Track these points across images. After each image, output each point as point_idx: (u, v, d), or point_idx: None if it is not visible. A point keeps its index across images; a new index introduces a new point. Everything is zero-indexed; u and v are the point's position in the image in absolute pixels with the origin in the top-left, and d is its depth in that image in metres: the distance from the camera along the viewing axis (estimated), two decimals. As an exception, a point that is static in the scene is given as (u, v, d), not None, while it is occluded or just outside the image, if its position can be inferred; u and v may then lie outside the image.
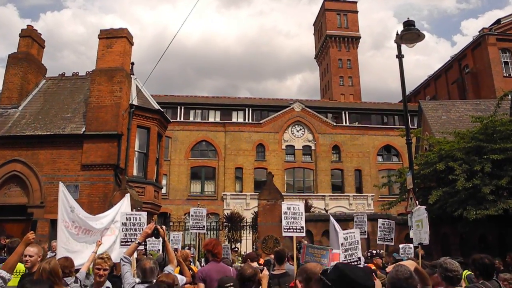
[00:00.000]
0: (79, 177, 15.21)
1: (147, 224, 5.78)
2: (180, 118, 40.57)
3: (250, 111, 42.40)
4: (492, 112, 14.87)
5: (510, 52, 38.98)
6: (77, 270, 5.67)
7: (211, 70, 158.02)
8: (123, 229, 6.58)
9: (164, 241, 5.55)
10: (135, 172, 16.90)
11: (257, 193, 20.75)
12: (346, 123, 43.06)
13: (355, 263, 5.73)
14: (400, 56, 11.93)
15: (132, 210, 7.98)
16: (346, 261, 5.52)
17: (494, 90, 33.79)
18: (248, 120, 41.96)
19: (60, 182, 7.82)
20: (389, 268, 3.85)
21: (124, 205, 7.98)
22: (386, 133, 42.27)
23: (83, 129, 15.59)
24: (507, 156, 12.97)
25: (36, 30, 18.64)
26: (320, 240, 15.76)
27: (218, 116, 42.19)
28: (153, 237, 5.18)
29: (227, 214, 26.62)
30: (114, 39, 16.78)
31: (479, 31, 40.26)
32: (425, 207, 7.65)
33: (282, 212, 8.02)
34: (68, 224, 7.21)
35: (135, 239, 5.57)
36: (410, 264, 3.33)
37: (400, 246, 11.77)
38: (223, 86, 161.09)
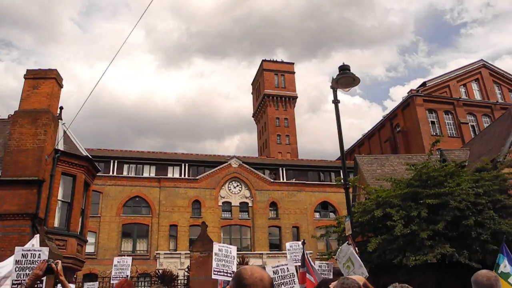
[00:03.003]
0: (-10, 228, 13.53)
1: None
2: (113, 173, 38.77)
3: (187, 167, 41.47)
4: (425, 160, 15.21)
5: (435, 112, 41.54)
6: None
7: (149, 129, 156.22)
8: (17, 268, 5.47)
9: (60, 280, 4.46)
10: (56, 223, 15.37)
11: (192, 248, 19.56)
12: (283, 179, 43.11)
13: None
14: (336, 102, 11.85)
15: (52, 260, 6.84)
16: None
17: (424, 148, 35.39)
18: (184, 175, 40.91)
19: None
20: (332, 284, 3.24)
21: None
22: (323, 189, 42.66)
23: (-1, 174, 14.11)
24: (441, 201, 13.12)
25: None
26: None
27: (153, 171, 40.83)
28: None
29: (159, 272, 24.95)
30: (42, 80, 15.76)
31: (408, 92, 42.85)
32: (347, 242, 7.18)
33: (213, 253, 7.37)
34: None
35: None
36: (359, 279, 2.77)
37: None
38: (160, 145, 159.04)
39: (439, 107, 41.97)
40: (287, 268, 5.41)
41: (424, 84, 43.99)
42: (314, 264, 8.30)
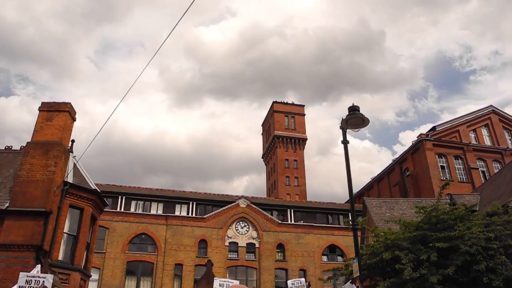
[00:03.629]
0: (-6, 259, 13.42)
1: None
2: (120, 209, 38.72)
3: (194, 205, 41.33)
4: (435, 203, 15.02)
5: (445, 157, 41.34)
6: None
7: (158, 167, 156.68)
8: (20, 294, 5.45)
9: None
10: (61, 256, 15.22)
11: None
12: (291, 221, 42.66)
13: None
14: (345, 142, 11.94)
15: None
16: None
17: (433, 192, 35.02)
18: (192, 214, 40.70)
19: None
20: None
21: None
22: (331, 232, 42.08)
23: (7, 205, 14.15)
24: (451, 244, 12.84)
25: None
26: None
27: (161, 208, 40.72)
28: None
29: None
30: (56, 112, 16.08)
31: (417, 137, 42.84)
32: (350, 281, 7.04)
33: None
34: None
35: None
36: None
37: None
38: (169, 184, 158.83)
39: (449, 152, 41.82)
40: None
41: (433, 128, 44.05)
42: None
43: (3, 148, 17.65)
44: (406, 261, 13.01)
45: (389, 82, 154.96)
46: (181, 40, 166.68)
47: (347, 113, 11.64)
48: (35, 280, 5.69)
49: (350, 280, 7.25)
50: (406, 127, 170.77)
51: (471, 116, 45.71)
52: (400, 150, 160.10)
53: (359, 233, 22.70)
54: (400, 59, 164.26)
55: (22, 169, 14.80)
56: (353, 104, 11.96)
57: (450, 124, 44.81)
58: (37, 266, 7.20)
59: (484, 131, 45.34)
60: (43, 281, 5.68)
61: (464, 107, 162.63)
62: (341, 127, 12.14)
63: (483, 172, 41.92)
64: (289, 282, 9.87)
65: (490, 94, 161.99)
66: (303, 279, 10.57)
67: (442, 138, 42.50)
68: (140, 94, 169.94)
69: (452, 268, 12.35)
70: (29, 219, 13.96)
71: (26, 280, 5.67)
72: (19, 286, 5.64)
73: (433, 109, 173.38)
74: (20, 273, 6.12)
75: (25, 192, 14.32)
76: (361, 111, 11.57)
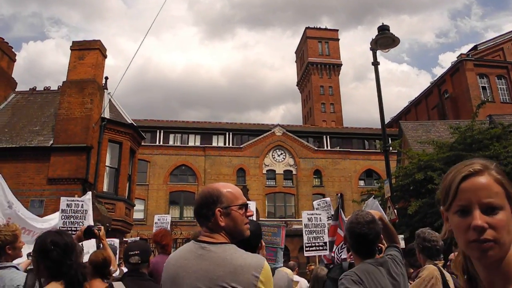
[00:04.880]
0: (45, 192, 14.41)
1: (91, 211, 5.15)
2: (159, 142, 39.93)
3: (231, 136, 42.01)
4: (470, 122, 14.72)
5: (487, 77, 39.57)
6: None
7: (194, 101, 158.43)
8: (62, 217, 5.94)
9: (102, 244, 4.73)
10: (105, 188, 16.17)
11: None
12: (327, 147, 42.87)
13: (321, 248, 5.19)
14: (376, 64, 11.66)
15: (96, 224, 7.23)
16: (309, 244, 4.97)
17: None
18: (229, 144, 41.52)
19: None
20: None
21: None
22: (367, 157, 42.16)
23: (51, 142, 14.92)
24: (486, 163, 12.69)
25: (7, 43, 18.11)
26: (297, 256, 15.10)
27: (198, 140, 41.67)
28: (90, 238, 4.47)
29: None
30: (87, 50, 16.32)
31: (457, 57, 40.96)
32: (373, 196, 7.20)
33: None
34: (1, 220, 6.44)
35: (76, 228, 4.93)
36: (375, 213, 2.81)
37: None
38: (206, 117, 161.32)
39: (491, 72, 39.88)
40: (320, 218, 5.52)
41: (475, 47, 41.85)
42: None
43: (42, 89, 18.25)
44: (439, 181, 13.01)
45: (429, 1, 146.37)
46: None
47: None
48: (75, 203, 6.13)
49: (373, 196, 7.41)
50: (447, 48, 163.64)
51: (517, 32, 42.96)
52: (439, 72, 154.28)
53: (395, 157, 22.73)
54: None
55: (61, 107, 15.39)
56: (382, 23, 11.57)
57: (494, 42, 42.32)
58: (87, 193, 7.68)
59: (532, 47, 42.70)
60: (82, 204, 6.11)
61: (511, 24, 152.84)
62: (371, 48, 11.82)
63: (528, 91, 40.08)
64: (314, 203, 10.11)
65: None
66: (328, 199, 10.78)
67: (485, 58, 40.42)
68: (171, 29, 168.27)
69: (485, 187, 12.30)
70: (72, 154, 14.75)
71: (67, 203, 6.11)
72: (61, 209, 6.10)
73: (476, 28, 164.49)
74: (61, 198, 6.59)
75: (66, 130, 14.98)
76: (398, 34, 11.22)
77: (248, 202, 6.17)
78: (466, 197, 1.11)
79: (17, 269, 3.40)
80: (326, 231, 5.57)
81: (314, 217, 5.44)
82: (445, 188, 1.20)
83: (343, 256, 5.62)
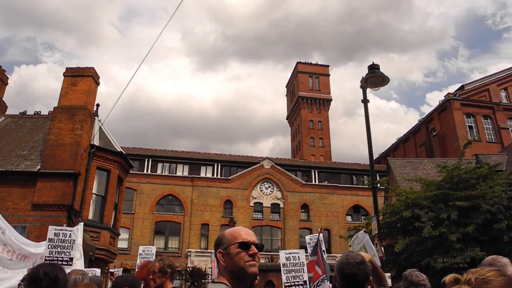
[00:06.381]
0: (29, 218, 14.16)
1: (79, 241, 5.09)
2: (147, 171, 39.69)
3: (219, 167, 41.94)
4: (457, 162, 14.92)
5: (474, 117, 40.33)
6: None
7: (184, 130, 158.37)
8: (49, 246, 5.83)
9: None
10: (90, 216, 15.93)
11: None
12: (315, 182, 42.93)
13: (300, 286, 5.17)
14: (365, 101, 11.85)
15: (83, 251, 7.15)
16: (288, 284, 4.96)
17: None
18: (217, 175, 41.39)
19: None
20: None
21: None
22: (355, 192, 42.27)
23: (38, 167, 14.77)
24: (472, 203, 12.83)
25: (0, 66, 18.14)
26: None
27: (186, 170, 41.51)
28: None
29: (189, 269, 25.35)
30: (80, 77, 16.41)
31: (445, 96, 41.81)
32: (363, 230, 7.17)
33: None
34: None
35: (62, 258, 4.88)
36: (365, 255, 2.85)
37: None
38: (195, 147, 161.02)
39: (477, 112, 40.71)
40: (298, 256, 5.49)
41: (462, 87, 42.82)
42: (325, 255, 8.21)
43: (33, 113, 18.20)
44: (426, 219, 13.09)
45: (418, 41, 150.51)
46: (204, 2, 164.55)
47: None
48: (63, 233, 6.04)
49: (364, 230, 7.37)
50: (434, 87, 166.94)
51: (503, 74, 44.02)
52: (427, 111, 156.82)
53: (383, 193, 22.81)
54: (429, 18, 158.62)
55: (51, 133, 15.33)
56: (373, 62, 11.82)
57: (480, 83, 43.36)
58: (79, 224, 7.58)
59: (516, 90, 43.75)
60: (70, 234, 6.02)
61: (495, 67, 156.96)
62: (361, 86, 12.02)
63: (513, 131, 40.83)
64: (307, 237, 10.10)
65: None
66: (321, 235, 10.78)
67: (471, 98, 41.33)
68: (164, 59, 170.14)
69: (472, 226, 12.39)
70: (59, 181, 14.58)
71: (55, 233, 6.02)
72: (48, 238, 6.01)
73: (463, 69, 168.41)
74: (49, 226, 6.50)
75: (55, 155, 14.87)
76: (388, 72, 11.43)
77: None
78: None
79: None
80: (305, 269, 5.54)
81: (292, 256, 5.42)
82: None
83: None
